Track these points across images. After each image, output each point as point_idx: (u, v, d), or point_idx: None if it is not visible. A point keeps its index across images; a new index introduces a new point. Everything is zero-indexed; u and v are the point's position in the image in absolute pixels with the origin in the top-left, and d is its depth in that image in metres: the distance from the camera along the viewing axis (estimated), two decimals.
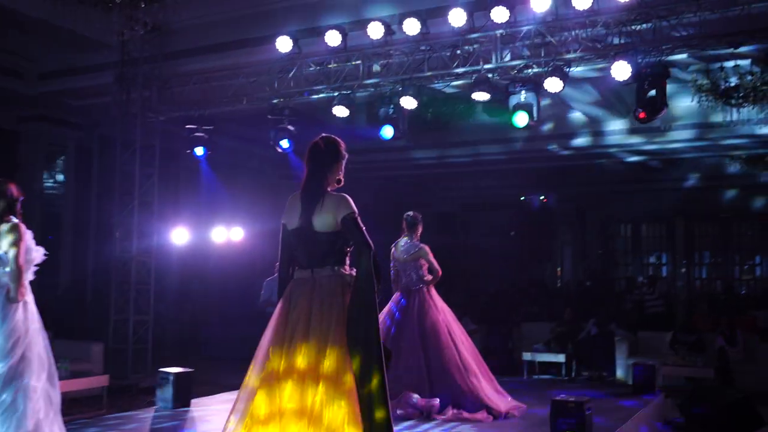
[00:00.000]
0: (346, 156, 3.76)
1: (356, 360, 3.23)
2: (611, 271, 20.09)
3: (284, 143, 9.56)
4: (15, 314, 4.60)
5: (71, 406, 8.14)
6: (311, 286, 3.47)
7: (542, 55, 7.66)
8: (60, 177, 13.95)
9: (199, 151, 10.18)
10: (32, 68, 11.91)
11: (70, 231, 13.99)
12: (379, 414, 3.16)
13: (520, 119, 7.86)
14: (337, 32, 8.50)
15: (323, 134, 3.78)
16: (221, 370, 9.72)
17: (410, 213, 7.13)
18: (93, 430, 5.80)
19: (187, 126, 10.01)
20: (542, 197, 19.55)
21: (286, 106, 9.30)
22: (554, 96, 8.32)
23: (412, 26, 8.02)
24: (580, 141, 13.12)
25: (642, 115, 7.32)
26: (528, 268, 21.51)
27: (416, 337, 6.59)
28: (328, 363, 3.25)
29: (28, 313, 4.70)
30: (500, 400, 6.52)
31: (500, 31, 7.75)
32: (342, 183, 3.72)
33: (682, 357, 10.00)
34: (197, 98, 9.84)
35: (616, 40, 7.34)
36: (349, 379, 3.21)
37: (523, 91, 7.87)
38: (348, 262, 3.53)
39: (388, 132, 8.64)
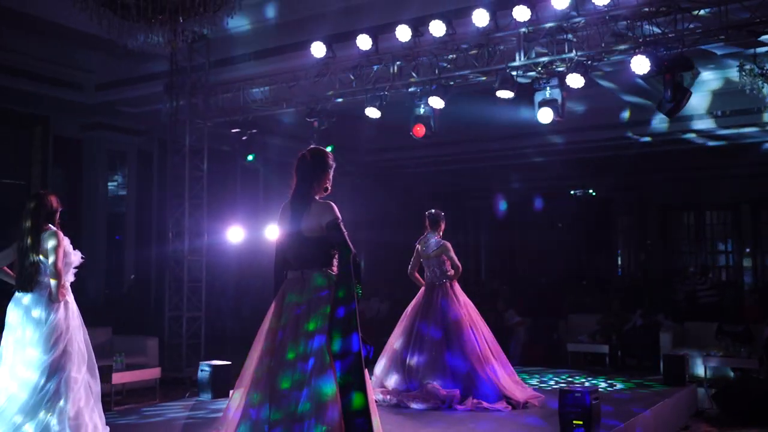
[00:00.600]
0: (333, 165, 4.04)
1: (338, 357, 3.52)
2: (673, 260, 19.75)
3: (328, 148, 9.89)
4: (57, 312, 5.07)
5: (128, 396, 8.77)
6: (301, 285, 3.79)
7: (565, 51, 7.75)
8: (122, 181, 14.75)
9: (249, 156, 10.66)
10: (90, 79, 12.63)
11: (133, 232, 14.76)
12: (358, 401, 3.45)
13: (545, 115, 7.98)
14: (368, 36, 8.79)
15: (311, 146, 4.07)
16: None
17: (432, 210, 7.39)
18: (133, 417, 6.28)
19: (233, 130, 10.47)
20: (591, 191, 19.38)
21: (324, 108, 9.63)
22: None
23: (437, 28, 8.23)
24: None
25: (667, 108, 7.34)
26: (585, 259, 21.38)
27: (439, 330, 6.84)
28: (312, 358, 3.57)
29: (68, 312, 5.17)
30: (519, 390, 6.71)
31: (523, 29, 7.89)
32: (329, 191, 4.00)
33: (726, 348, 9.90)
34: (240, 104, 10.27)
35: (634, 34, 7.35)
36: (328, 386, 3.51)
37: (548, 88, 7.98)
38: (335, 263, 3.81)
39: (419, 131, 8.88)
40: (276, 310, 3.82)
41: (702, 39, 7.22)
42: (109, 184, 14.61)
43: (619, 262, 21.31)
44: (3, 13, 10.06)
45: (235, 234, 12.86)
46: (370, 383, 3.72)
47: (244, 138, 10.41)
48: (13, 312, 5.09)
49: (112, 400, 8.31)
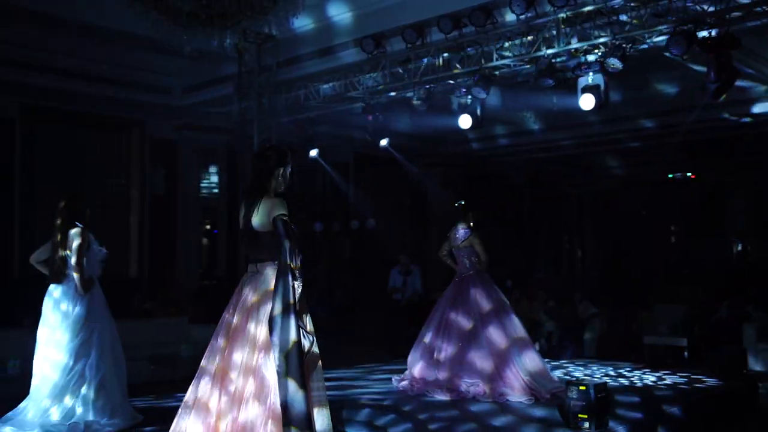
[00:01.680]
0: (288, 163, 4.19)
1: (276, 350, 3.71)
2: None
3: (383, 142, 10.14)
4: (82, 303, 5.56)
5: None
6: (256, 278, 4.00)
7: (604, 35, 7.51)
8: (214, 178, 15.59)
9: (312, 151, 11.02)
10: (177, 83, 13.44)
11: (225, 227, 15.56)
12: (293, 388, 3.62)
13: (587, 102, 7.77)
14: (413, 30, 8.87)
15: (268, 144, 4.25)
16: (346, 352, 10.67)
17: (462, 201, 7.39)
18: (157, 401, 6.73)
19: (298, 127, 10.85)
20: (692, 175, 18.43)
21: (378, 102, 9.79)
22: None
23: (478, 18, 8.19)
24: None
25: (711, 90, 6.97)
26: (690, 247, 20.36)
27: (468, 321, 6.85)
28: (260, 347, 3.79)
29: (94, 302, 5.65)
30: (545, 381, 6.62)
31: (561, 14, 7.71)
32: (283, 188, 4.16)
33: None
34: (302, 102, 10.62)
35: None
36: (271, 370, 3.71)
37: (590, 73, 7.77)
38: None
39: (465, 121, 8.87)
40: (233, 301, 4.05)
41: (748, 16, 6.78)
42: (203, 181, 15.51)
43: (727, 251, 20.12)
44: (97, 30, 10.97)
45: (319, 226, 13.36)
46: (313, 370, 3.88)
47: (308, 134, 10.75)
48: (46, 303, 5.64)
49: (178, 385, 8.93)
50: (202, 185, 15.57)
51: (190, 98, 13.53)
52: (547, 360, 9.36)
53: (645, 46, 7.54)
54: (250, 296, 3.96)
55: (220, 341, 3.98)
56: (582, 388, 5.29)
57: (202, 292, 14.78)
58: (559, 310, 11.85)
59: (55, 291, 5.61)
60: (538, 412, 6.02)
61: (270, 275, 3.92)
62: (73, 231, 5.64)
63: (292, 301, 3.75)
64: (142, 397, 6.75)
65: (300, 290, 3.82)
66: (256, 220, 4.01)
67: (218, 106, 13.66)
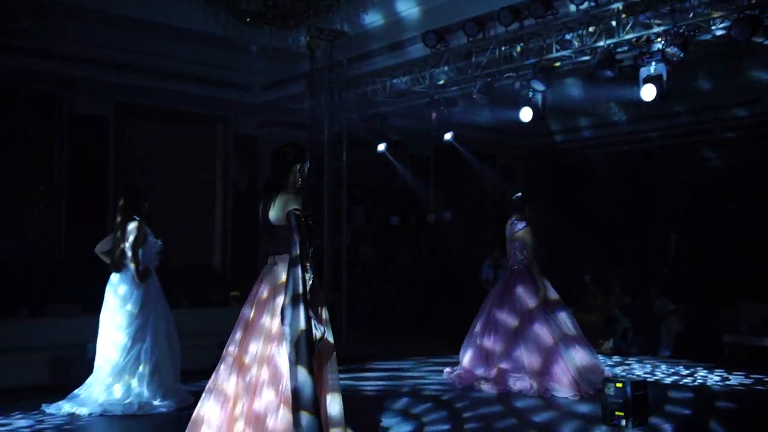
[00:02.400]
0: (306, 160, 4.34)
1: (287, 334, 3.88)
2: None
3: (447, 135, 10.19)
4: (139, 291, 5.95)
5: None
6: (273, 270, 4.18)
7: (667, 23, 7.28)
8: None
9: (380, 145, 11.19)
10: (256, 81, 13.91)
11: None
12: (303, 376, 3.79)
13: (648, 92, 7.55)
14: (474, 24, 8.86)
15: (289, 141, 4.41)
16: (421, 344, 10.88)
17: (518, 194, 7.35)
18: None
19: (367, 122, 11.04)
20: None
21: (442, 97, 9.84)
22: None
23: (537, 10, 8.11)
24: None
25: None
26: None
27: (513, 317, 6.83)
28: (274, 336, 3.97)
29: (150, 290, 6.03)
30: (594, 377, 6.52)
31: (621, 4, 7.52)
32: (300, 183, 4.31)
33: None
34: (371, 97, 10.79)
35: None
36: (284, 359, 3.89)
37: (652, 63, 7.54)
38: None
39: (526, 114, 8.80)
40: (252, 294, 4.25)
41: None
42: None
43: None
44: (183, 31, 11.54)
45: (397, 221, 13.54)
46: (326, 359, 4.03)
47: (377, 129, 10.92)
48: (107, 290, 6.07)
49: None
50: None
51: (268, 95, 13.97)
52: (619, 357, 9.22)
53: (708, 35, 7.24)
54: (265, 290, 4.15)
55: (238, 333, 4.19)
56: (619, 385, 5.22)
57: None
58: (635, 306, 11.52)
59: (115, 279, 6.02)
60: (582, 408, 5.98)
61: (283, 269, 4.08)
62: (131, 224, 6.03)
63: (301, 291, 3.91)
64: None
65: (311, 282, 3.97)
66: (273, 214, 4.18)
67: (295, 103, 14.06)
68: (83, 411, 5.65)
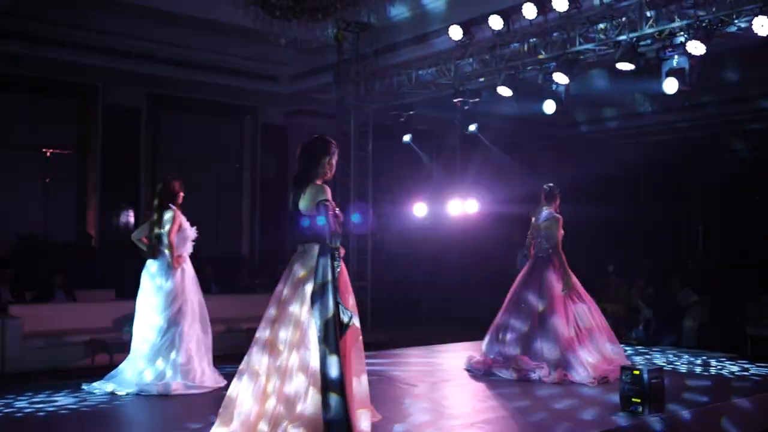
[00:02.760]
0: (335, 152, 4.54)
1: (317, 317, 4.12)
2: None
3: (471, 127, 10.35)
4: (174, 277, 6.21)
5: None
6: (303, 257, 4.40)
7: (687, 17, 7.36)
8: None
9: (405, 136, 11.39)
10: (284, 72, 14.15)
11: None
12: (330, 355, 4.02)
13: (670, 86, 7.64)
14: (499, 17, 8.99)
15: (314, 135, 4.62)
16: (444, 332, 11.12)
17: (550, 184, 7.48)
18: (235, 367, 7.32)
19: (393, 113, 11.22)
20: None
21: (467, 89, 9.98)
22: None
23: (561, 3, 8.22)
24: None
25: None
26: None
27: (539, 301, 6.99)
28: (304, 318, 4.20)
29: (185, 277, 6.29)
30: (612, 366, 6.65)
31: None
32: (329, 176, 4.51)
33: None
34: (396, 89, 10.98)
35: None
36: (314, 337, 4.12)
37: (675, 56, 7.62)
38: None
39: (549, 107, 8.92)
40: (284, 277, 4.47)
41: None
42: None
43: None
44: (211, 24, 11.84)
45: (419, 209, 13.69)
46: (352, 342, 4.25)
47: (401, 120, 11.10)
48: (143, 276, 6.33)
49: None
50: None
51: (296, 86, 14.21)
52: (642, 347, 9.34)
53: (733, 28, 7.30)
54: (299, 271, 4.37)
55: (272, 311, 4.42)
56: (636, 372, 5.36)
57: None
58: (657, 298, 11.61)
59: (151, 266, 6.28)
60: (601, 395, 6.12)
61: (312, 256, 4.31)
62: (168, 212, 6.28)
63: (330, 278, 4.14)
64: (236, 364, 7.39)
65: (339, 269, 4.19)
66: (303, 204, 4.40)
67: (322, 93, 14.28)
68: (121, 391, 5.93)
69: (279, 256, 15.61)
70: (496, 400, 6.01)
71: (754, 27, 6.74)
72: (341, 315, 4.13)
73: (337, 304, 4.12)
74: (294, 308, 4.29)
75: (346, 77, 11.69)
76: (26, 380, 8.12)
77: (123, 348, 8.09)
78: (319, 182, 4.47)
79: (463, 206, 15.33)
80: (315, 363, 4.10)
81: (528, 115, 13.59)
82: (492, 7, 9.55)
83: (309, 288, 4.24)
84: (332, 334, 4.06)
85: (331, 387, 4.01)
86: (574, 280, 7.14)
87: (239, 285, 12.61)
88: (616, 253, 16.14)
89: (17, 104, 13.03)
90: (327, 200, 4.31)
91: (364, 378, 4.32)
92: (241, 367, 4.43)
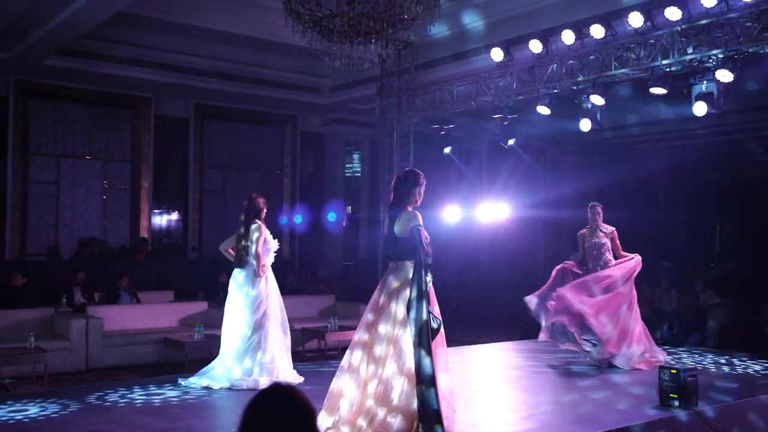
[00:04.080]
0: (423, 183, 5.30)
1: (412, 326, 4.87)
2: None
3: (510, 141, 11.07)
4: (259, 284, 6.97)
5: (343, 351, 10.71)
6: (396, 272, 5.15)
7: (717, 46, 8.04)
8: (357, 166, 17.06)
9: (446, 148, 12.12)
10: (325, 84, 14.93)
11: (366, 211, 17.01)
12: (425, 355, 4.77)
13: (700, 109, 8.33)
14: (538, 40, 9.70)
15: (407, 168, 5.37)
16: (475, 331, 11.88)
17: (596, 203, 8.27)
18: (313, 365, 8.10)
19: (433, 126, 11.94)
20: None
21: (506, 105, 10.69)
22: None
23: (598, 30, 8.92)
24: None
25: None
26: None
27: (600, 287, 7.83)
28: (399, 323, 4.96)
29: (268, 284, 7.05)
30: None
31: (676, 27, 8.30)
32: (418, 202, 5.27)
33: None
34: (436, 103, 11.70)
35: None
36: (407, 340, 4.88)
37: (704, 82, 8.31)
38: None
39: (585, 125, 9.62)
40: (380, 287, 5.23)
41: None
42: (346, 166, 17.01)
43: None
44: (255, 41, 12.61)
45: (451, 213, 14.42)
46: (440, 344, 4.99)
47: (442, 133, 11.83)
48: (231, 284, 7.09)
49: (326, 354, 10.39)
50: (346, 172, 17.06)
51: (336, 96, 14.98)
52: (667, 347, 10.07)
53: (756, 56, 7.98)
54: (393, 282, 5.13)
55: (369, 316, 5.18)
56: (674, 371, 6.09)
57: (345, 273, 16.30)
58: (681, 299, 12.28)
59: (239, 275, 7.04)
60: (637, 389, 6.85)
61: (409, 267, 5.07)
62: (254, 226, 7.05)
63: (424, 289, 4.90)
64: (301, 362, 8.17)
65: (431, 282, 4.96)
66: (398, 228, 5.16)
67: (362, 103, 15.05)
68: (215, 385, 6.71)
69: (316, 259, 16.45)
70: (544, 394, 6.73)
71: None
72: (431, 322, 4.89)
73: (429, 312, 4.88)
74: (392, 306, 5.03)
75: (389, 91, 12.41)
76: (109, 375, 8.97)
77: (194, 347, 8.96)
78: (410, 209, 5.21)
79: (494, 210, 16.07)
80: (410, 363, 4.85)
81: (558, 125, 14.32)
82: (528, 29, 10.29)
83: (405, 293, 5.00)
84: (426, 339, 4.82)
85: (426, 382, 4.76)
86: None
87: (286, 286, 13.37)
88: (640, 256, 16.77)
89: (77, 115, 13.90)
90: (419, 225, 5.05)
91: (449, 375, 5.07)
92: (342, 363, 5.19)
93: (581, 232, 8.28)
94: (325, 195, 16.84)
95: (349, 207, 17.23)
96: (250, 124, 15.90)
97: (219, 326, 9.31)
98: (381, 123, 12.73)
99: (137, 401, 6.17)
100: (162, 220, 14.76)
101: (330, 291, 13.74)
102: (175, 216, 14.91)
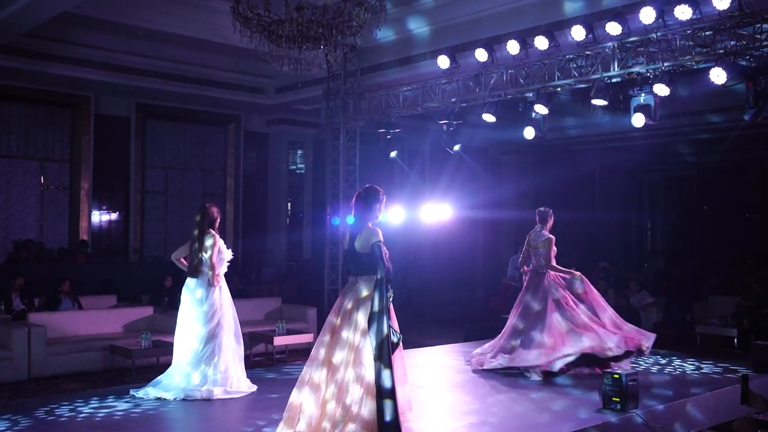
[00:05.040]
0: (384, 199, 5.42)
1: (373, 340, 5.00)
2: None
3: (456, 147, 11.30)
4: (213, 294, 6.97)
5: (291, 355, 10.79)
6: (354, 289, 5.27)
7: (654, 61, 8.41)
8: (301, 165, 17.11)
9: (392, 153, 12.27)
10: (270, 85, 14.90)
11: (309, 208, 17.02)
12: (385, 371, 4.90)
13: (638, 120, 8.70)
14: (483, 49, 9.92)
15: (366, 185, 5.49)
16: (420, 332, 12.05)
17: (542, 208, 8.50)
18: (271, 374, 8.15)
19: (379, 130, 12.06)
20: None
21: (452, 111, 10.88)
22: None
23: (542, 42, 9.19)
24: None
25: (750, 114, 7.80)
26: (759, 236, 20.61)
27: (539, 304, 8.02)
28: (358, 335, 5.08)
29: (222, 294, 7.06)
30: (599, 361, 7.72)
31: (615, 42, 8.64)
32: (379, 219, 5.39)
33: None
34: (383, 107, 11.83)
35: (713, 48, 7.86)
36: (368, 351, 5.00)
37: (642, 94, 8.67)
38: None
39: (529, 133, 9.91)
40: (336, 305, 5.34)
41: None
42: (290, 166, 17.01)
43: None
44: (199, 42, 12.51)
45: (395, 215, 14.57)
46: (398, 358, 5.14)
47: (388, 137, 11.96)
48: (184, 294, 7.07)
49: (273, 358, 10.41)
50: (290, 170, 17.06)
51: (281, 98, 14.96)
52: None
53: (690, 72, 8.38)
54: (349, 302, 5.24)
55: (326, 336, 5.28)
56: (615, 376, 6.39)
57: (289, 273, 16.27)
58: (617, 299, 12.75)
59: (192, 285, 7.02)
60: (580, 393, 7.14)
61: (363, 286, 5.19)
62: (208, 236, 7.03)
63: (385, 305, 5.04)
64: (249, 368, 8.18)
65: (391, 298, 5.09)
66: (358, 244, 5.27)
67: (307, 104, 15.06)
68: (168, 396, 6.69)
69: (261, 259, 16.39)
70: (494, 400, 6.94)
71: (711, 76, 7.80)
72: (392, 336, 5.03)
73: (389, 327, 5.01)
74: (349, 327, 5.14)
75: (335, 95, 12.48)
76: (52, 384, 8.80)
77: (142, 353, 8.87)
78: (370, 225, 5.32)
79: (437, 211, 16.31)
80: (369, 376, 4.97)
81: (502, 130, 14.65)
82: (474, 36, 10.53)
83: (358, 314, 5.11)
84: (386, 353, 4.95)
85: (386, 395, 4.90)
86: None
87: (232, 289, 13.27)
88: (576, 257, 17.32)
89: (15, 115, 13.50)
90: (380, 241, 5.17)
91: (407, 387, 5.22)
92: (302, 375, 5.27)
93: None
94: (268, 195, 16.79)
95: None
96: (193, 124, 15.73)
97: (165, 332, 9.35)
98: (327, 126, 12.79)
99: (88, 414, 6.10)
100: (102, 221, 14.48)
101: (276, 293, 13.74)
102: (116, 217, 14.64)
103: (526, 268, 8.53)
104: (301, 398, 5.19)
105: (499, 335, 8.34)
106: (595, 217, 21.15)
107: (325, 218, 16.74)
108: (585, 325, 8.00)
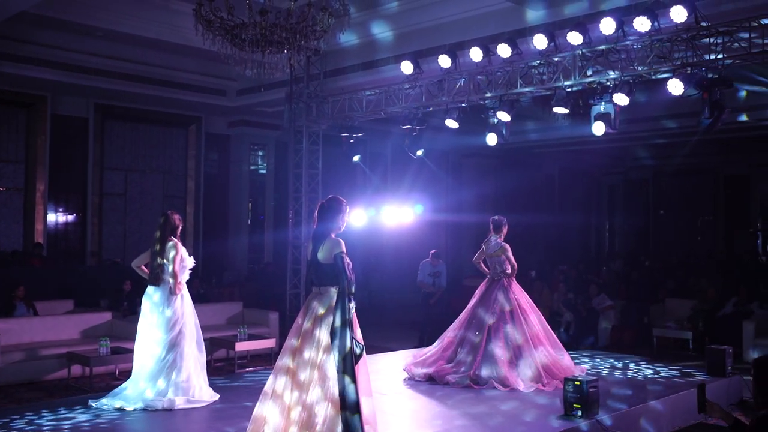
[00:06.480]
0: (347, 210, 5.41)
1: (336, 353, 5.00)
2: None
3: (419, 152, 11.34)
4: (174, 302, 6.88)
5: (253, 360, 10.70)
6: (320, 297, 5.25)
7: (614, 71, 8.55)
8: (262, 165, 17.00)
9: (355, 156, 12.25)
10: (231, 86, 14.76)
11: (272, 214, 16.91)
12: (348, 381, 4.90)
13: (598, 128, 8.83)
14: (447, 56, 9.97)
15: (330, 195, 5.48)
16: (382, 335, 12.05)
17: (496, 217, 8.53)
18: (237, 382, 8.08)
19: (342, 134, 12.04)
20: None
21: (415, 116, 10.92)
22: None
23: (504, 49, 9.28)
24: None
25: (705, 124, 7.99)
26: (723, 240, 21.08)
27: (492, 317, 8.02)
28: (323, 350, 5.06)
29: (184, 301, 6.97)
30: (556, 371, 7.78)
31: (577, 51, 8.76)
32: (341, 230, 5.38)
33: None
34: (346, 111, 11.81)
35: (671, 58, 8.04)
36: (331, 366, 4.99)
37: (602, 103, 8.81)
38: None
39: (491, 139, 9.99)
40: (303, 312, 5.31)
41: (737, 60, 7.77)
42: (251, 168, 16.88)
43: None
44: (161, 44, 12.33)
45: (357, 217, 14.55)
46: (362, 369, 5.13)
47: (351, 141, 11.95)
48: (145, 302, 6.97)
49: (236, 363, 10.31)
50: (251, 170, 16.94)
51: (243, 100, 14.83)
52: (569, 351, 10.56)
53: (649, 82, 8.54)
54: (318, 309, 5.21)
55: (293, 341, 5.24)
56: (577, 383, 6.48)
57: (251, 276, 16.14)
58: (577, 302, 12.94)
59: (153, 293, 6.92)
60: (541, 400, 7.22)
61: (333, 294, 5.17)
62: (170, 244, 6.94)
63: (348, 317, 5.02)
64: (211, 376, 8.08)
65: (353, 309, 5.08)
66: (321, 254, 5.25)
67: (269, 106, 14.97)
68: (129, 406, 6.58)
69: (222, 263, 16.24)
70: (455, 407, 6.98)
71: (668, 87, 7.97)
72: (355, 348, 5.03)
73: (352, 339, 5.01)
74: (316, 332, 5.11)
75: (298, 98, 12.42)
76: (9, 394, 8.57)
77: (100, 361, 8.72)
78: (333, 235, 5.31)
79: (399, 214, 16.33)
80: (334, 389, 4.96)
81: (464, 135, 14.75)
82: (437, 42, 10.59)
83: (329, 320, 5.10)
84: (350, 365, 4.95)
85: (350, 408, 4.89)
86: (526, 296, 8.27)
87: (192, 294, 13.11)
88: (537, 259, 17.54)
89: None
90: (343, 252, 5.16)
91: (371, 399, 5.22)
92: (266, 389, 5.24)
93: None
94: (230, 197, 16.64)
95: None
96: (153, 125, 15.51)
97: (125, 338, 9.20)
98: (290, 129, 12.73)
99: (47, 427, 5.98)
100: (59, 223, 14.18)
101: (237, 296, 13.62)
102: (72, 219, 14.36)
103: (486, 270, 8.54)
104: (265, 410, 5.16)
105: (440, 345, 8.29)
106: (555, 220, 21.42)
107: (287, 221, 16.73)
108: (537, 336, 8.08)
